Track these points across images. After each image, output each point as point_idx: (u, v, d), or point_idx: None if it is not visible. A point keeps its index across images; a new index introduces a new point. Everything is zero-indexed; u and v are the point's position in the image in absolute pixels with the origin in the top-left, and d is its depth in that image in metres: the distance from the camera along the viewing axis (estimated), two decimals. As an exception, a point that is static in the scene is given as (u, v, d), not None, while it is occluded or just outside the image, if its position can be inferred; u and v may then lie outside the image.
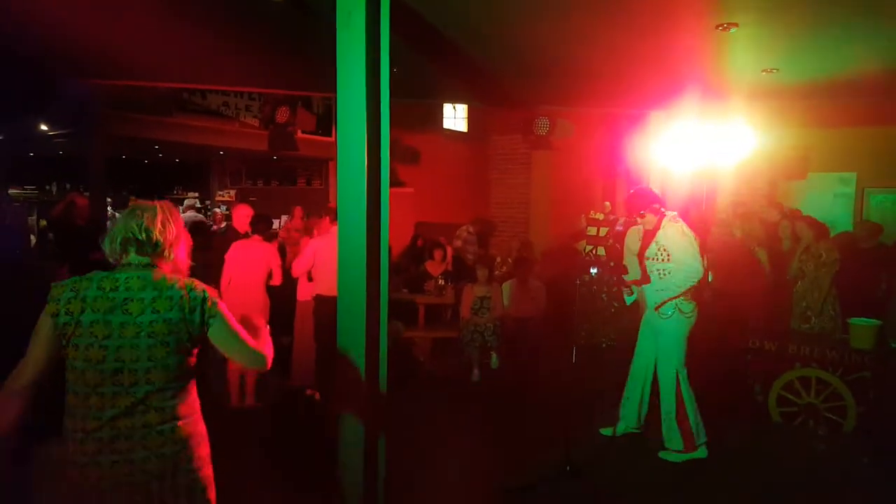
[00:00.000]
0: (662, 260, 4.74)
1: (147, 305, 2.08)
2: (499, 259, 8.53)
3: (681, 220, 4.80)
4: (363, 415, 3.11)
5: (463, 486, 4.32)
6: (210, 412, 2.35)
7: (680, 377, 4.71)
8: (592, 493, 4.24)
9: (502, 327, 6.96)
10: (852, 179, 8.76)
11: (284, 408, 4.46)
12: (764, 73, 4.85)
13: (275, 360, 2.34)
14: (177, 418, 2.13)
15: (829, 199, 8.74)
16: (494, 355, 6.94)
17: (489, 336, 6.81)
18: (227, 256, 5.74)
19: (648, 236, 4.87)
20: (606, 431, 5.21)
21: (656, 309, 4.79)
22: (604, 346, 8.16)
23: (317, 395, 5.86)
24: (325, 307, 5.48)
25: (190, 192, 14.62)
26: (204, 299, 2.15)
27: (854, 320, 5.61)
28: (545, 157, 9.82)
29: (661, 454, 4.79)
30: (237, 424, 4.94)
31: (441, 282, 7.69)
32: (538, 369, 6.88)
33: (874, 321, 5.54)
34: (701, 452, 4.72)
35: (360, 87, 3.03)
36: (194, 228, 5.50)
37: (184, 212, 11.22)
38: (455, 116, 10.55)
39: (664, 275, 4.74)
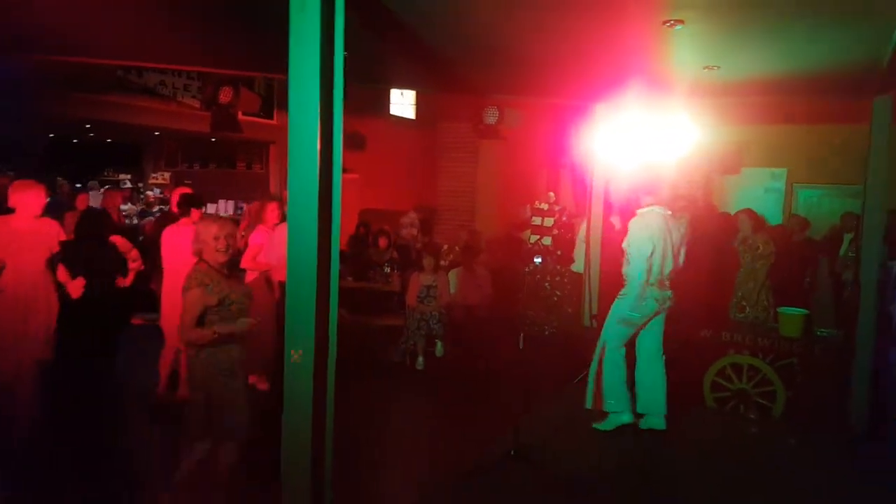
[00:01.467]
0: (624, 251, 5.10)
1: None
2: (446, 247, 8.56)
3: (649, 214, 5.11)
4: (310, 407, 3.06)
5: (409, 472, 4.35)
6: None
7: (606, 348, 5.13)
8: (537, 475, 4.34)
9: (448, 315, 6.99)
10: (783, 175, 9.14)
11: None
12: (705, 70, 4.98)
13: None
14: None
15: (760, 193, 9.11)
16: (439, 343, 6.97)
17: (435, 324, 6.84)
18: (162, 241, 5.48)
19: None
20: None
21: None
22: (546, 333, 8.31)
23: (261, 385, 5.79)
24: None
25: (122, 174, 14.09)
26: None
27: (783, 309, 5.88)
28: (492, 146, 9.88)
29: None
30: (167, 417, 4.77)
31: (387, 269, 7.67)
32: (484, 356, 6.95)
33: (801, 310, 5.82)
34: (609, 422, 5.14)
35: (314, 71, 2.96)
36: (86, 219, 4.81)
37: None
38: (403, 102, 10.46)
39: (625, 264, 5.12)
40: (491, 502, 4.05)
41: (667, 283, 5.10)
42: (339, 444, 3.47)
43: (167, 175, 13.73)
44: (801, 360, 5.66)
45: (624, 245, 5.09)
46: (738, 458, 4.81)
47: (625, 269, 5.09)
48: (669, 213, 5.25)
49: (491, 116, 6.69)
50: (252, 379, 5.39)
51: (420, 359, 6.82)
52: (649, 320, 5.13)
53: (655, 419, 5.17)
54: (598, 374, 5.17)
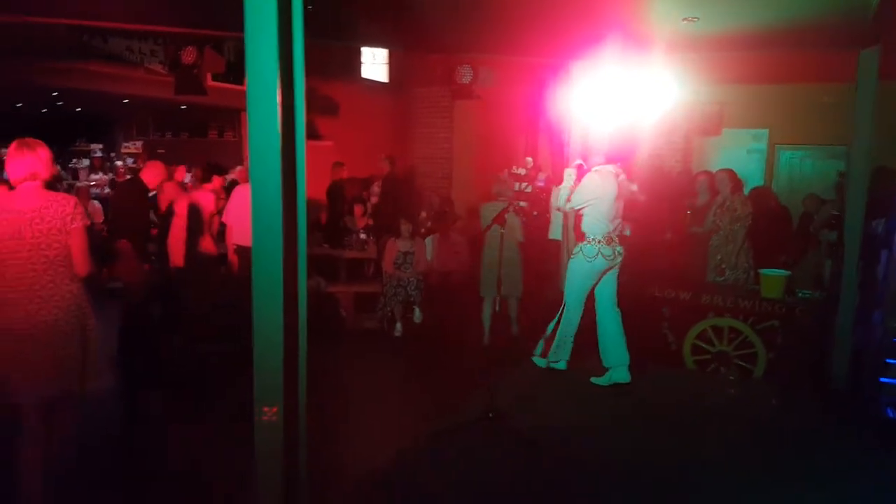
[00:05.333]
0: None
1: None
2: (423, 214, 8.38)
3: (597, 172, 5.28)
4: (282, 375, 2.91)
5: (388, 435, 4.25)
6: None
7: (565, 307, 5.41)
8: (513, 435, 4.27)
9: (425, 282, 6.85)
10: (764, 136, 9.01)
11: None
12: (684, 22, 4.81)
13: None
14: None
15: (742, 155, 8.98)
16: (417, 310, 6.83)
17: (412, 291, 6.70)
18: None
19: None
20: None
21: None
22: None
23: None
24: (249, 257, 5.22)
25: (94, 143, 13.71)
26: None
27: (765, 271, 5.79)
28: (468, 110, 9.65)
29: None
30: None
31: (363, 236, 7.50)
32: (460, 322, 6.84)
33: (783, 272, 5.74)
34: (559, 365, 5.51)
35: (270, 23, 2.75)
36: None
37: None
38: (374, 62, 10.09)
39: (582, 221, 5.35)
40: (470, 464, 3.96)
41: (615, 239, 5.28)
42: (317, 410, 3.35)
43: (139, 144, 13.41)
44: (783, 321, 5.59)
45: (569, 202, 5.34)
46: (721, 419, 4.75)
47: (582, 227, 5.35)
48: (621, 171, 5.37)
49: (465, 76, 6.47)
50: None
51: (398, 325, 6.69)
52: (602, 276, 5.30)
53: (620, 371, 5.30)
54: (555, 329, 5.50)
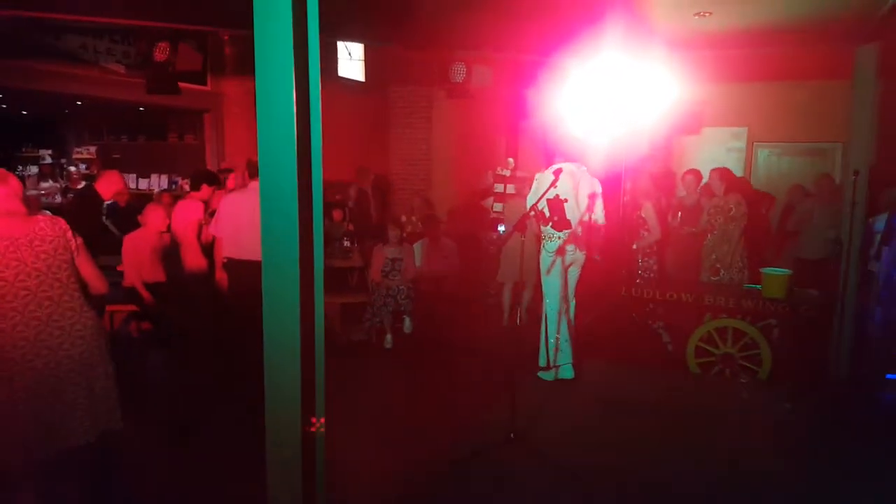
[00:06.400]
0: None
1: None
2: (404, 218, 8.10)
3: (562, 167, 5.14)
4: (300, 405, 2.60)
5: (399, 461, 3.93)
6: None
7: (546, 305, 5.32)
8: (543, 460, 3.97)
9: (416, 289, 6.57)
10: (743, 134, 9.02)
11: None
12: (696, 17, 4.66)
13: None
14: None
15: (722, 153, 8.97)
16: (407, 319, 6.55)
17: (403, 299, 6.41)
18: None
19: None
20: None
21: None
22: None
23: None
24: (241, 271, 4.88)
25: (42, 149, 12.95)
26: None
27: (767, 270, 5.71)
28: (447, 111, 9.40)
29: None
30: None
31: (346, 243, 7.18)
32: (454, 331, 6.59)
33: (785, 270, 5.66)
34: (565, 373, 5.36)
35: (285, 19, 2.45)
36: None
37: None
38: (350, 58, 9.71)
39: None
40: (494, 489, 3.70)
41: (578, 233, 5.29)
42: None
43: (93, 149, 12.71)
44: (784, 320, 5.52)
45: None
46: (739, 425, 4.61)
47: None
48: (583, 168, 5.39)
49: (458, 74, 6.21)
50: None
51: (388, 337, 6.38)
52: (566, 270, 5.31)
53: (565, 369, 5.34)
54: (546, 330, 5.37)
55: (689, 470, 3.94)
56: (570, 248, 5.26)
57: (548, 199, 4.65)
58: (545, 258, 5.31)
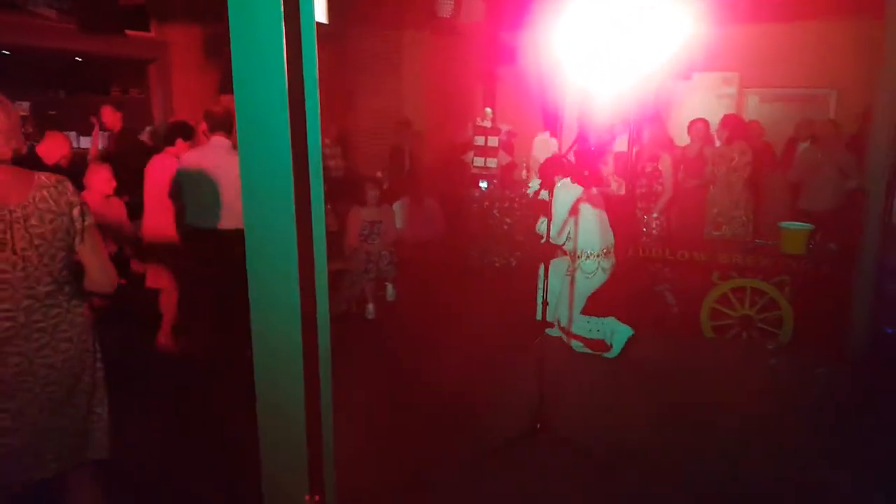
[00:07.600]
0: None
1: None
2: (379, 174, 7.44)
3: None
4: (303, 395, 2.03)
5: (406, 458, 3.40)
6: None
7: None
8: (578, 455, 3.47)
9: (398, 254, 5.97)
10: (734, 80, 8.55)
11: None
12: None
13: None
14: None
15: (713, 99, 8.50)
16: (390, 286, 5.96)
17: (385, 265, 5.80)
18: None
19: None
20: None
21: None
22: (497, 264, 7.48)
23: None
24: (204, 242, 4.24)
25: (-33, 106, 11.79)
26: None
27: (786, 224, 5.28)
28: (418, 55, 8.64)
29: None
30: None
31: (317, 204, 6.50)
32: (439, 299, 6.03)
33: (806, 225, 5.23)
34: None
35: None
36: None
37: None
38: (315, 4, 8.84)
39: None
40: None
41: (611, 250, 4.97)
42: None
43: (26, 105, 11.62)
44: (804, 277, 5.12)
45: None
46: (776, 392, 4.22)
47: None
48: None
49: (445, 9, 5.52)
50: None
51: (370, 306, 5.78)
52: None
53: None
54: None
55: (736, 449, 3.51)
56: (607, 264, 4.82)
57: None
58: (583, 282, 4.79)
